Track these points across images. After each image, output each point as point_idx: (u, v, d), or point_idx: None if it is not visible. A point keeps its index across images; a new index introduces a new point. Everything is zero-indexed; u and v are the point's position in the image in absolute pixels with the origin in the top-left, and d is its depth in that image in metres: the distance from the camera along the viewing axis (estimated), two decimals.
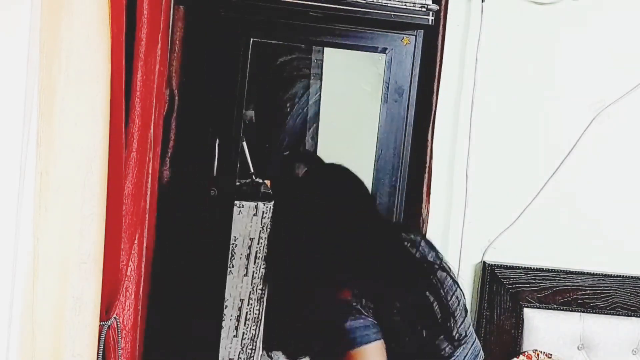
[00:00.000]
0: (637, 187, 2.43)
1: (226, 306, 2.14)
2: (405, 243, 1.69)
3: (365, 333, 1.54)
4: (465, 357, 1.65)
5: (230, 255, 2.12)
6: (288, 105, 2.25)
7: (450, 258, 2.36)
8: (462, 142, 2.34)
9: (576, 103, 2.38)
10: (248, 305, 2.13)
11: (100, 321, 1.37)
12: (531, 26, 2.34)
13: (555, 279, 2.36)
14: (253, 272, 2.08)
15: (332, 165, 1.79)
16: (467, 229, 2.35)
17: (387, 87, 2.20)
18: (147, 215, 1.80)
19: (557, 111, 2.38)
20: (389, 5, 2.10)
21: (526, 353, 2.30)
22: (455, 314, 1.66)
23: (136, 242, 1.66)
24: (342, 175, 1.72)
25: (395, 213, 2.23)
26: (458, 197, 2.35)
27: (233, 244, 2.10)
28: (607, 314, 2.37)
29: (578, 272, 2.38)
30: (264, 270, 2.08)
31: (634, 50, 2.39)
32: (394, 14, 2.10)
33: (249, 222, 2.07)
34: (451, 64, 2.29)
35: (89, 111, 1.16)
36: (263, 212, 2.07)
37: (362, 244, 1.62)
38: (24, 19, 1.02)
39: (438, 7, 2.13)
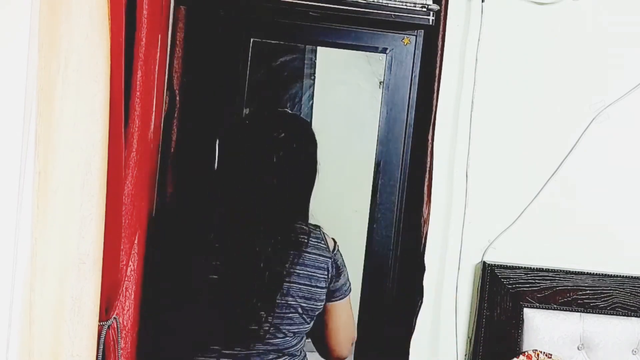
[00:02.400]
0: (637, 187, 2.43)
1: None
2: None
3: None
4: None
5: None
6: (288, 105, 2.26)
7: (450, 258, 2.38)
8: (462, 142, 2.34)
9: (576, 103, 2.38)
10: None
11: (100, 321, 1.37)
12: (531, 26, 2.34)
13: (555, 279, 2.36)
14: None
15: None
16: (467, 229, 2.35)
17: (388, 87, 2.20)
18: (147, 215, 1.80)
19: (557, 111, 2.38)
20: (389, 5, 2.10)
21: (526, 353, 2.30)
22: None
23: (136, 242, 1.67)
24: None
25: (395, 213, 2.23)
26: (458, 197, 2.35)
27: None
28: (607, 314, 2.37)
29: (578, 272, 2.38)
30: None
31: (634, 50, 2.39)
32: (394, 14, 2.11)
33: None
34: (451, 64, 2.29)
35: (88, 111, 1.16)
36: None
37: None
38: (23, 19, 1.02)
39: (438, 7, 2.13)
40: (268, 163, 1.68)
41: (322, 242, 1.75)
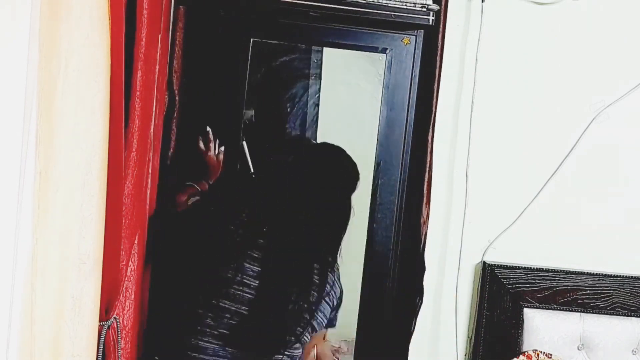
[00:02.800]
0: (637, 187, 2.43)
1: None
2: None
3: None
4: None
5: None
6: (288, 105, 2.25)
7: (450, 258, 2.38)
8: (462, 142, 2.34)
9: (576, 103, 2.38)
10: None
11: (100, 321, 1.37)
12: (531, 26, 2.34)
13: (555, 279, 2.36)
14: None
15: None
16: (467, 229, 2.35)
17: (388, 87, 2.20)
18: (147, 216, 1.80)
19: (557, 111, 2.38)
20: (389, 5, 2.10)
21: (526, 353, 2.30)
22: None
23: (136, 242, 1.67)
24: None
25: (395, 213, 2.23)
26: (458, 197, 2.35)
27: None
28: (607, 314, 2.37)
29: (578, 272, 2.38)
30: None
31: (633, 50, 2.39)
32: (394, 14, 2.10)
33: None
34: (451, 64, 2.29)
35: (88, 111, 1.16)
36: None
37: None
38: (23, 19, 1.02)
39: (438, 7, 2.13)
40: (299, 195, 1.78)
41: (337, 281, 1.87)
